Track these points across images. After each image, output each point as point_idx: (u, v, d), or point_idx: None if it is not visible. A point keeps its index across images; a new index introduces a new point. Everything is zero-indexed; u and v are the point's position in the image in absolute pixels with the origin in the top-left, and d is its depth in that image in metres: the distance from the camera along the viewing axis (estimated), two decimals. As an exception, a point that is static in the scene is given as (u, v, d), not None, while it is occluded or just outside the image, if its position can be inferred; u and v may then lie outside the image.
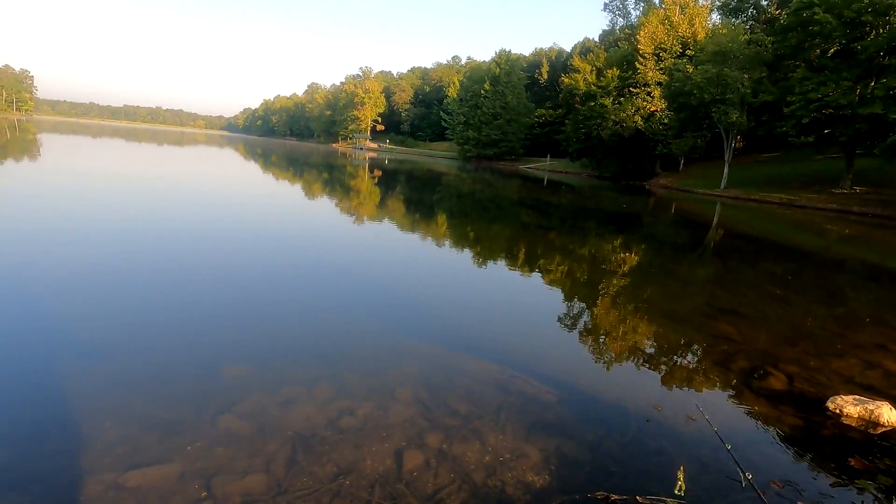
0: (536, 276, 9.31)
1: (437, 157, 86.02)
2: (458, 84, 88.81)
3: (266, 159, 45.25)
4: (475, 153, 76.52)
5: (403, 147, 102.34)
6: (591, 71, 58.00)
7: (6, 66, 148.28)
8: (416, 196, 24.00)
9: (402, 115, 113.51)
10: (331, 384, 4.22)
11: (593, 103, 55.41)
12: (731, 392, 4.90)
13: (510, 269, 9.64)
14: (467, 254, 11.04)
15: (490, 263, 10.23)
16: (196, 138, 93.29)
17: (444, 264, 9.70)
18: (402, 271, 8.85)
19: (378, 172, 38.85)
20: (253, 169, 32.85)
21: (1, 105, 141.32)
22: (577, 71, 60.00)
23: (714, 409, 4.36)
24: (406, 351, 5.16)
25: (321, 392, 4.09)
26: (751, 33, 42.77)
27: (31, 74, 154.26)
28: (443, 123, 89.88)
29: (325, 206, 17.57)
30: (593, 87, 56.04)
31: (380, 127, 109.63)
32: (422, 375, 4.59)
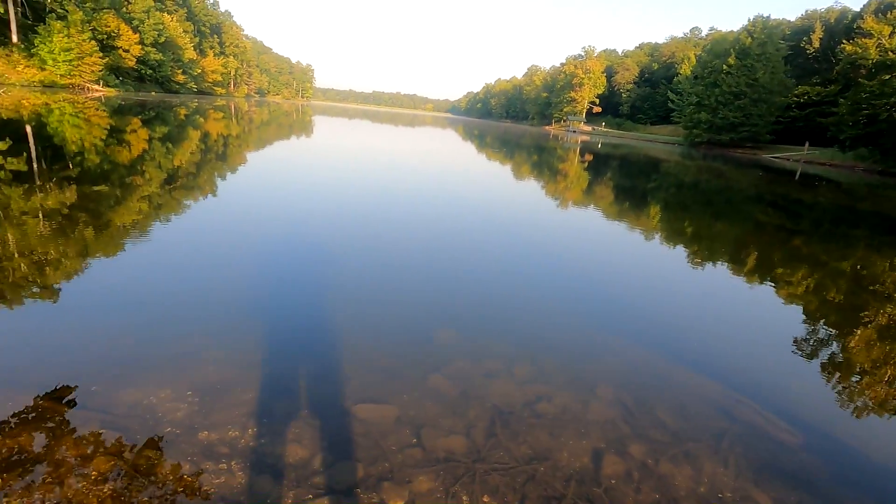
0: (769, 287, 7.72)
1: (658, 141, 78.10)
2: (693, 59, 78.37)
3: (481, 140, 47.80)
4: (705, 138, 66.70)
5: (619, 130, 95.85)
6: (892, 34, 44.36)
7: (298, 62, 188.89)
8: (627, 183, 22.30)
9: (623, 95, 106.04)
10: (530, 366, 4.24)
11: (888, 76, 42.47)
12: None
13: (734, 275, 8.19)
14: (681, 252, 9.79)
15: (709, 265, 8.87)
16: (424, 120, 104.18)
17: (655, 260, 8.79)
18: (607, 261, 8.34)
19: (589, 157, 37.33)
20: (469, 149, 35.09)
21: (292, 93, 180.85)
22: (869, 35, 46.60)
23: None
24: (610, 347, 4.85)
25: (521, 371, 4.14)
26: None
27: (312, 68, 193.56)
28: (669, 104, 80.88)
29: (531, 189, 17.70)
30: (891, 56, 42.87)
31: (596, 109, 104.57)
32: (626, 376, 4.26)
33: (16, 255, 5.63)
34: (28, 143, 14.38)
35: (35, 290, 4.83)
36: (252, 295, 5.22)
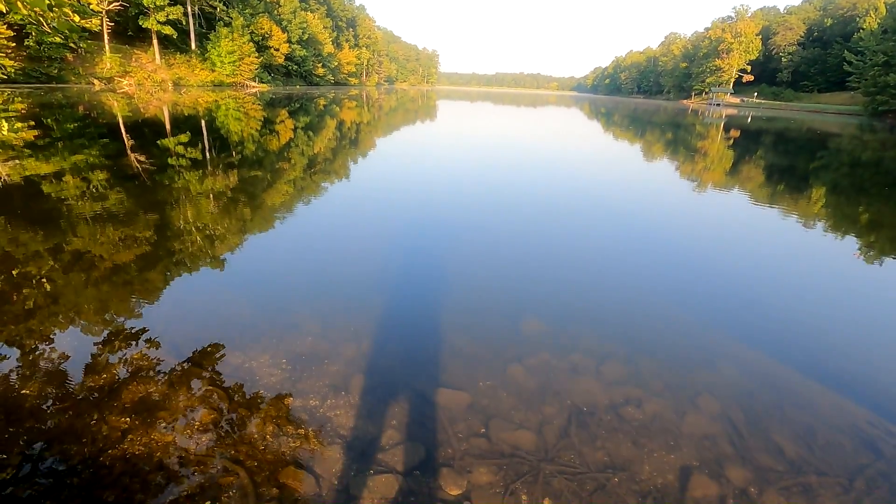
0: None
1: (828, 112, 65.83)
2: (883, 9, 64.03)
3: (608, 118, 44.84)
4: (893, 106, 54.53)
5: (777, 101, 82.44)
6: None
7: (424, 48, 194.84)
8: (783, 162, 19.14)
9: (783, 60, 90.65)
10: (622, 366, 3.89)
11: None
12: None
13: (924, 277, 6.57)
14: (848, 245, 8.13)
15: (887, 262, 7.24)
16: (547, 100, 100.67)
17: (808, 253, 7.43)
18: (740, 253, 7.26)
19: (735, 133, 32.81)
20: (594, 128, 33.12)
21: (418, 79, 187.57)
22: None
23: None
24: (724, 351, 4.23)
25: (610, 371, 3.81)
26: None
27: (437, 53, 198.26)
28: (845, 67, 67.37)
29: (659, 170, 16.12)
30: None
31: (747, 77, 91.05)
32: (738, 388, 3.69)
33: (193, 230, 6.72)
34: (202, 134, 16.98)
35: (205, 259, 5.70)
36: (355, 274, 5.55)
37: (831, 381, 3.85)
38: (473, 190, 10.33)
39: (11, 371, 3.41)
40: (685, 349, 4.25)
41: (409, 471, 2.74)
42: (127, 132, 16.09)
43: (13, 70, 32.20)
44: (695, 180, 13.98)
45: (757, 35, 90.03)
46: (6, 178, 8.93)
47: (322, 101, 45.02)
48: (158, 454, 2.73)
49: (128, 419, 2.98)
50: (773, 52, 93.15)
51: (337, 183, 10.72)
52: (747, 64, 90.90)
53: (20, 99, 25.12)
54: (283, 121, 24.79)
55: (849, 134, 34.14)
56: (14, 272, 5.03)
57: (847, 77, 67.94)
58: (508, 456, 2.88)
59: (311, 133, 20.48)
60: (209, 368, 3.56)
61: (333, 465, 2.74)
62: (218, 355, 3.72)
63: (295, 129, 21.14)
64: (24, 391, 3.20)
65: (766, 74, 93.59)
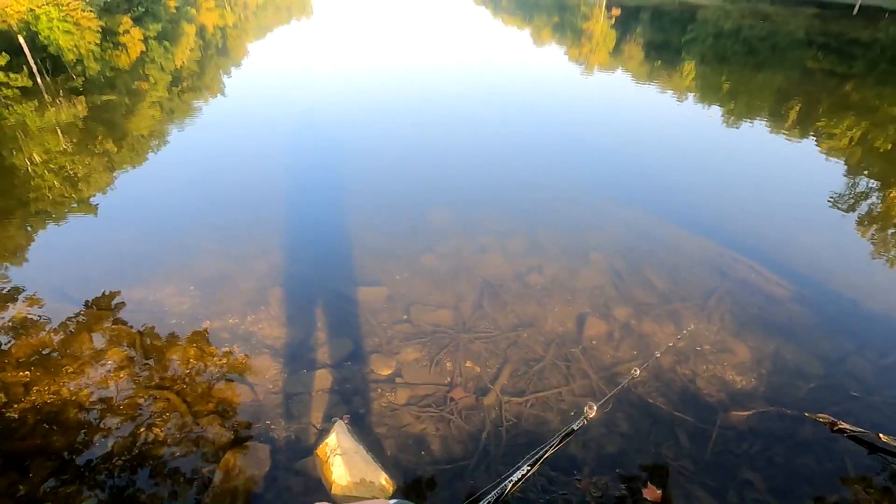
0: (809, 143, 7.16)
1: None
2: None
3: (496, 4, 43.20)
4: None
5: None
6: None
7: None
8: (658, 39, 20.14)
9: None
10: (525, 239, 4.24)
11: None
12: None
13: (771, 132, 7.60)
14: (713, 110, 9.05)
15: (744, 123, 8.21)
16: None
17: (679, 119, 8.20)
18: (621, 125, 7.82)
19: (616, 11, 33.45)
20: (483, 16, 31.91)
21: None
22: None
23: None
24: (609, 214, 4.74)
25: (514, 245, 4.15)
26: None
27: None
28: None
29: (551, 56, 16.26)
30: None
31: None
32: (622, 242, 4.22)
33: (46, 173, 5.75)
34: (25, 55, 13.92)
35: (70, 204, 4.99)
36: (251, 190, 5.24)
37: (694, 227, 4.52)
38: (361, 87, 9.79)
39: None
40: (577, 218, 4.69)
41: (340, 363, 2.91)
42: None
43: None
44: (581, 63, 14.36)
45: None
46: None
47: (172, 3, 38.28)
48: (74, 398, 2.63)
49: (27, 372, 2.78)
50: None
51: (212, 100, 9.59)
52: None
53: None
54: (127, 31, 20.90)
55: (714, 6, 36.22)
56: None
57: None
58: (430, 334, 3.14)
59: (167, 43, 17.66)
60: (109, 310, 3.34)
61: (266, 372, 2.83)
62: (115, 298, 3.48)
63: (146, 40, 18.03)
64: None
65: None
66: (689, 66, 13.81)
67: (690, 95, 10.10)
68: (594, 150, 6.62)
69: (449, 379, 2.82)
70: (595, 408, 1.95)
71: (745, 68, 13.38)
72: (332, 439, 2.32)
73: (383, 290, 3.56)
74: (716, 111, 8.95)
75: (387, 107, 8.54)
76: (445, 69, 12.45)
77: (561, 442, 1.95)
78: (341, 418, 2.51)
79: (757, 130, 7.70)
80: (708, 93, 10.68)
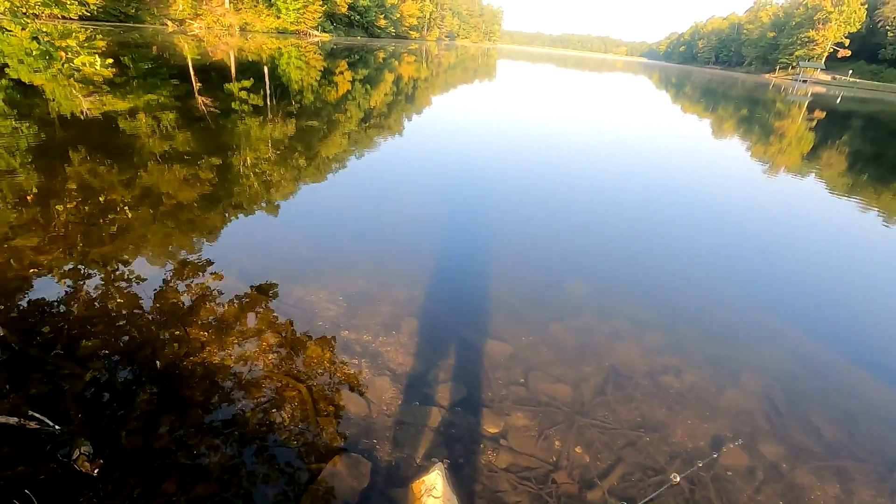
0: None
1: (934, 97, 58.89)
2: None
3: (678, 90, 42.16)
4: None
5: (875, 82, 74.42)
6: None
7: (488, 4, 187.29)
8: (870, 150, 17.58)
9: (889, 34, 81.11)
10: (665, 336, 3.93)
11: None
12: None
13: None
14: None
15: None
16: (614, 65, 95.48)
17: (883, 248, 6.98)
18: (803, 239, 6.90)
19: (819, 114, 30.15)
20: (661, 100, 31.35)
21: (480, 36, 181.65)
22: None
23: None
24: (771, 330, 4.17)
25: (652, 339, 3.87)
26: None
27: (502, 10, 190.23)
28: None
29: (729, 147, 15.21)
30: None
31: (843, 53, 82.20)
32: (782, 368, 3.66)
33: (251, 175, 7.10)
34: (265, 81, 17.44)
35: (262, 203, 6.08)
36: (407, 225, 5.75)
37: (879, 372, 3.74)
38: (526, 153, 10.21)
39: (97, 288, 3.85)
40: (730, 325, 4.22)
41: (451, 406, 2.97)
42: (195, 74, 16.75)
43: (95, 7, 33.81)
44: (765, 162, 13.15)
45: (862, 4, 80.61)
46: (87, 111, 9.62)
47: (381, 54, 44.70)
48: (232, 366, 3.08)
49: (205, 333, 3.34)
50: (879, 25, 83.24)
51: (390, 139, 10.85)
52: (846, 37, 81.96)
53: (101, 37, 26.45)
54: (342, 72, 24.94)
55: (954, 123, 30.60)
56: (92, 201, 5.55)
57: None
58: (545, 405, 3.05)
59: (368, 86, 20.55)
60: (273, 298, 3.89)
61: (383, 393, 3.00)
62: (280, 288, 4.04)
63: (353, 82, 21.27)
64: (109, 305, 3.64)
65: (867, 50, 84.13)
66: (906, 186, 11.79)
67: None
68: (765, 256, 5.94)
69: (555, 458, 2.68)
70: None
71: None
72: (430, 479, 2.35)
73: (507, 347, 3.57)
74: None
75: (547, 175, 8.76)
76: (612, 150, 12.41)
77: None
78: (441, 461, 2.54)
79: None
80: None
